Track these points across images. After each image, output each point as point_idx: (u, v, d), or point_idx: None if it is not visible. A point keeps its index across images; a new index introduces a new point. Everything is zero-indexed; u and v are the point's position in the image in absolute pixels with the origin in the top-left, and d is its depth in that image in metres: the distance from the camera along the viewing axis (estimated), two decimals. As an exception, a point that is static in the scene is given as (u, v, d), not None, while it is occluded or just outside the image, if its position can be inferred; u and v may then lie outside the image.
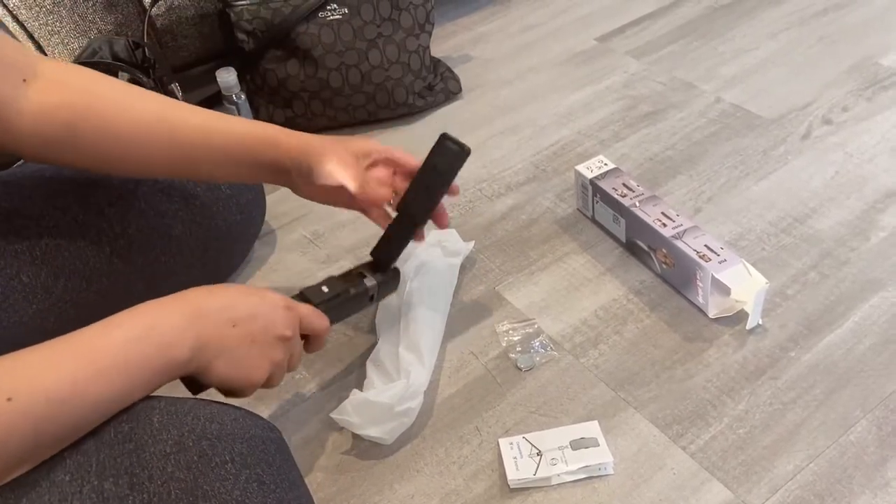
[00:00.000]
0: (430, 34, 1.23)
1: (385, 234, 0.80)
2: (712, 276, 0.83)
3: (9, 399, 0.48)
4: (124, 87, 0.73)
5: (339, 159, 0.74)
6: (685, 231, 0.88)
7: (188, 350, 0.57)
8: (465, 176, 1.13)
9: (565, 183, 1.09)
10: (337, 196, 0.78)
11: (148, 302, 0.58)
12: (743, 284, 0.82)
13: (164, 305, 0.58)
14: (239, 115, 1.17)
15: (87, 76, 0.71)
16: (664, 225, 0.89)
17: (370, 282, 0.78)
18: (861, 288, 0.89)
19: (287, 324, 0.65)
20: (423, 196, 0.79)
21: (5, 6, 1.06)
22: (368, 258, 0.81)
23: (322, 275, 1.00)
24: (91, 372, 0.52)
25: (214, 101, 1.29)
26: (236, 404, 0.63)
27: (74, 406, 0.52)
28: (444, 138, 0.79)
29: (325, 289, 0.74)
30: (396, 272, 0.83)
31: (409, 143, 1.21)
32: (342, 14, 1.14)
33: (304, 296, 0.73)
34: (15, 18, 1.08)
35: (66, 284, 0.80)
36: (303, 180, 0.76)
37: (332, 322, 0.73)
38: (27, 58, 0.67)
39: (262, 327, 0.62)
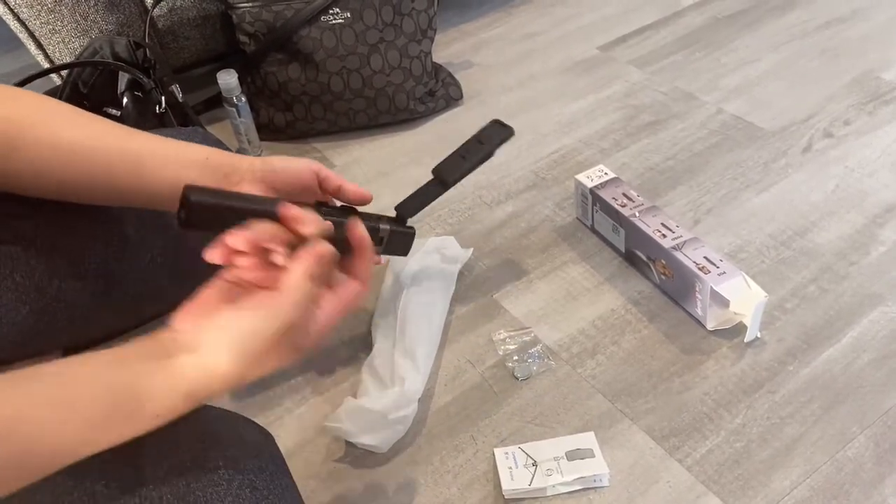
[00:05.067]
0: (432, 40, 1.23)
1: (413, 193, 0.80)
2: (711, 289, 0.82)
3: None
4: (72, 107, 0.71)
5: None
6: (685, 242, 0.87)
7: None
8: (465, 182, 1.12)
9: (565, 191, 1.09)
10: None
11: (138, 353, 0.52)
12: (742, 297, 0.82)
13: (154, 374, 0.51)
14: (239, 117, 1.17)
15: (36, 95, 0.70)
16: (664, 236, 0.89)
17: (384, 226, 0.76)
18: (860, 302, 0.88)
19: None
20: (458, 161, 0.81)
21: (6, 4, 1.06)
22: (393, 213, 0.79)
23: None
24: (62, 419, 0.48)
25: (215, 102, 1.28)
26: (230, 409, 0.62)
27: (39, 456, 0.47)
28: (494, 121, 0.85)
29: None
30: (411, 233, 0.79)
31: (410, 148, 1.21)
32: (344, 18, 1.14)
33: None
34: (16, 17, 1.07)
35: (61, 285, 0.80)
36: (259, 182, 0.71)
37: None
38: None
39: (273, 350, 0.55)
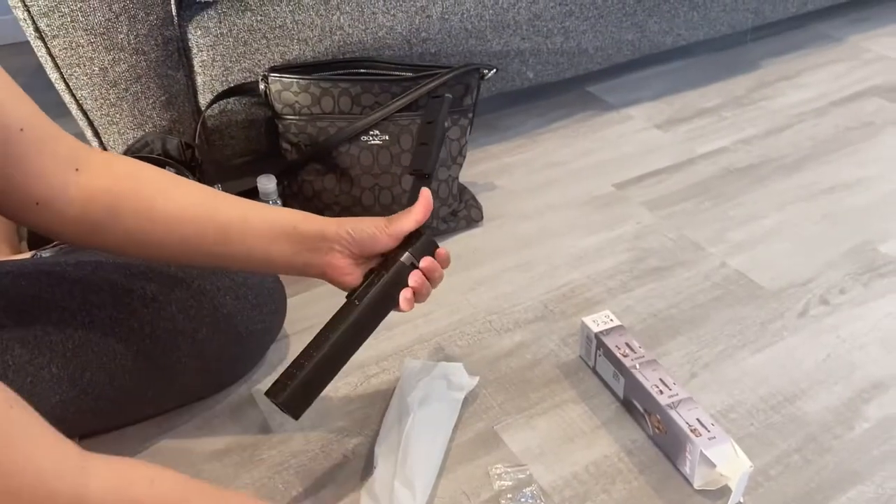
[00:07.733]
0: (460, 166, 1.31)
1: (408, 207, 0.85)
2: (701, 452, 0.87)
3: None
4: (168, 174, 0.77)
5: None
6: (680, 402, 0.92)
7: None
8: (478, 305, 1.18)
9: (571, 327, 1.14)
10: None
11: None
12: (728, 463, 0.86)
13: None
14: (271, 217, 1.24)
15: (133, 164, 0.75)
16: (661, 392, 0.94)
17: (406, 255, 0.82)
18: (840, 479, 0.92)
19: None
20: (426, 150, 0.87)
21: (73, 95, 1.14)
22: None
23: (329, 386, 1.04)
24: None
25: (249, 194, 1.34)
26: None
27: None
28: (431, 98, 0.94)
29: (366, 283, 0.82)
30: (429, 238, 0.85)
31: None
32: (382, 140, 1.22)
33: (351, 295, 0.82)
34: (80, 107, 1.15)
35: (91, 378, 0.84)
36: (343, 249, 0.81)
37: (389, 310, 0.83)
38: (80, 150, 0.71)
39: None
